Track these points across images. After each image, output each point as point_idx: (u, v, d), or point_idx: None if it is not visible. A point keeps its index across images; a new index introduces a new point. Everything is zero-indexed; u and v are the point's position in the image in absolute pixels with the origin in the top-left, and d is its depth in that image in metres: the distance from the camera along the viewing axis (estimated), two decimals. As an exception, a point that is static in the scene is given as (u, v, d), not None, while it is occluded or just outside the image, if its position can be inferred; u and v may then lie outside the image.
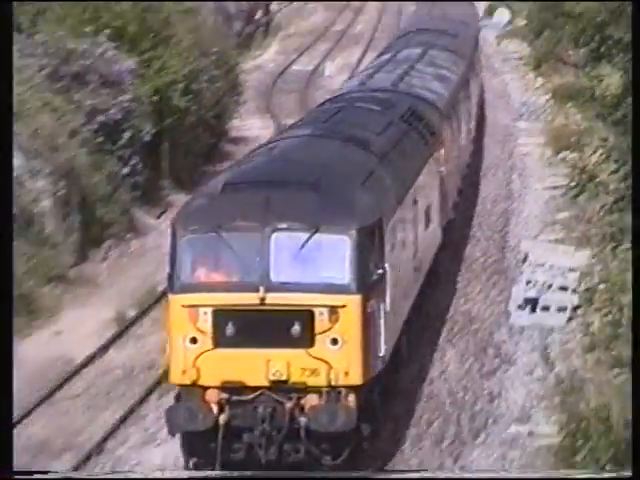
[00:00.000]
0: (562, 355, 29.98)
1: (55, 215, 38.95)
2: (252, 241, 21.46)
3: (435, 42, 49.22)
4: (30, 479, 8.83)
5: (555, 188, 44.71)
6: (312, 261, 21.63)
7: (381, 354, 22.58)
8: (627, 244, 22.69)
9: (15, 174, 37.92)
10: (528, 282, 34.18)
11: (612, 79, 28.25)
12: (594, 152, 34.64)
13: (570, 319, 32.01)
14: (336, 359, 21.22)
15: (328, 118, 29.99)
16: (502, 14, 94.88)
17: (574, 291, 32.80)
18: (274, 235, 21.26)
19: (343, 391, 21.20)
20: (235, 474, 12.02)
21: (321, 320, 21.15)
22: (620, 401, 23.33)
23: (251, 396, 21.24)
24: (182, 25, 54.55)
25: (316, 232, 21.30)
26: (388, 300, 23.09)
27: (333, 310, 21.11)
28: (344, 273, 21.35)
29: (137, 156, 44.98)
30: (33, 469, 9.47)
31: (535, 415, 27.17)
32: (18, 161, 38.49)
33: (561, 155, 49.27)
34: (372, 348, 22.03)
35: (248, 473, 15.11)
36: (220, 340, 21.21)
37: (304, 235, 21.34)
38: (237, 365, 21.30)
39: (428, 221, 31.75)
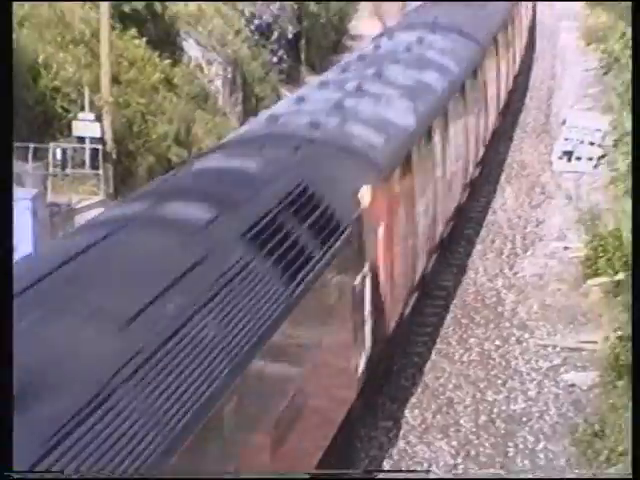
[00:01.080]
0: (589, 192, 30.10)
1: (224, 92, 39.37)
2: None
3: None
4: (30, 479, 6.28)
5: (587, 70, 43.71)
6: None
7: None
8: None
9: (195, 62, 39.06)
10: (566, 139, 34.36)
11: None
12: (617, 42, 34.84)
13: (596, 166, 32.29)
14: None
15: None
16: None
17: (599, 145, 32.91)
18: None
19: None
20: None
21: None
22: (629, 224, 22.49)
23: None
24: None
25: None
26: None
27: None
28: None
29: (282, 49, 45.90)
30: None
31: (569, 235, 27.52)
32: (198, 53, 38.97)
33: (592, 46, 48.00)
34: None
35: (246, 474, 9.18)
36: None
37: None
38: None
39: None
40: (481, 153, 30.17)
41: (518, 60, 42.01)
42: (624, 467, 16.41)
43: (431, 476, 16.96)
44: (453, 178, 25.05)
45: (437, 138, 22.83)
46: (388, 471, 16.62)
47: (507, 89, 37.22)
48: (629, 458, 15.40)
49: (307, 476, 11.52)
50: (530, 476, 16.94)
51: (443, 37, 28.41)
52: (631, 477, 4.25)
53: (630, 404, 13.47)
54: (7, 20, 5.31)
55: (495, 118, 33.25)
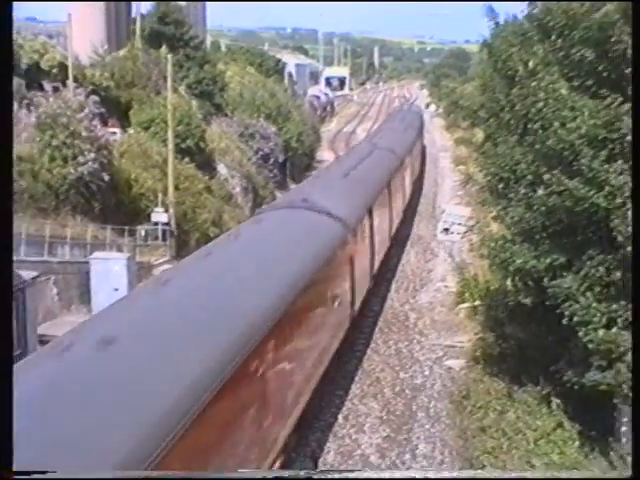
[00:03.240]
0: (458, 253, 30.11)
1: (241, 194, 39.27)
2: None
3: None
4: (30, 479, 2.75)
5: (455, 181, 44.27)
6: None
7: None
8: (488, 205, 19.35)
9: (224, 177, 38.81)
10: (444, 221, 34.54)
11: (479, 135, 28.26)
12: (473, 166, 35.07)
13: (462, 237, 32.31)
14: None
15: None
16: (432, 106, 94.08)
17: (464, 225, 33.17)
18: None
19: None
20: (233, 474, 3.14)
21: None
22: (483, 271, 22.86)
23: None
24: (295, 112, 54.59)
25: None
26: None
27: None
28: None
29: (276, 169, 45.49)
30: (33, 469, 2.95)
31: (447, 278, 27.40)
32: (226, 171, 38.75)
33: (458, 167, 48.42)
34: None
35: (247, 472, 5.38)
36: None
37: None
38: None
39: None
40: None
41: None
42: (482, 416, 16.32)
43: (429, 475, 15.28)
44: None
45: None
46: (350, 470, 13.63)
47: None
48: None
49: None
50: (529, 475, 15.28)
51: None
52: (631, 477, 2.95)
53: (630, 405, 11.08)
54: (7, 20, 3.64)
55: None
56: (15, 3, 3.90)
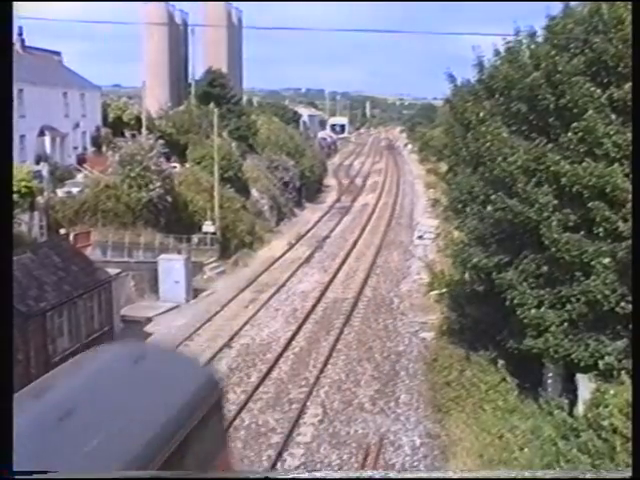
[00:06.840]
0: (429, 253, 29.40)
1: (269, 211, 38.08)
2: None
3: None
4: (30, 479, 1.71)
5: (428, 200, 43.02)
6: None
7: None
8: (451, 218, 18.08)
9: (256, 199, 38.15)
10: (419, 230, 33.89)
11: (443, 167, 27.80)
12: (439, 191, 34.61)
13: (432, 241, 31.38)
14: None
15: None
16: (409, 146, 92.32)
17: (433, 233, 32.41)
18: None
19: None
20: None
21: None
22: (447, 267, 21.80)
23: None
24: (308, 150, 52.39)
25: None
26: None
27: None
28: None
29: (294, 191, 44.13)
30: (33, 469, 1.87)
31: (421, 272, 26.78)
32: (257, 194, 37.56)
33: (429, 190, 46.71)
34: None
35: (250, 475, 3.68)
36: None
37: None
38: None
39: None
40: None
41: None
42: (447, 374, 16.12)
43: (422, 475, 13.92)
44: None
45: None
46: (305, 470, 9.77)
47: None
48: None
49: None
50: (527, 475, 12.36)
51: None
52: (631, 477, 1.70)
53: (630, 403, 9.01)
54: (7, 20, 2.85)
55: None
56: (16, 4, 3.02)
